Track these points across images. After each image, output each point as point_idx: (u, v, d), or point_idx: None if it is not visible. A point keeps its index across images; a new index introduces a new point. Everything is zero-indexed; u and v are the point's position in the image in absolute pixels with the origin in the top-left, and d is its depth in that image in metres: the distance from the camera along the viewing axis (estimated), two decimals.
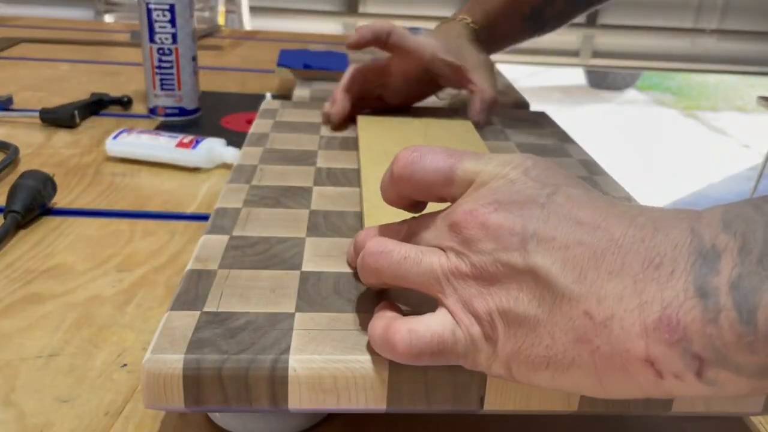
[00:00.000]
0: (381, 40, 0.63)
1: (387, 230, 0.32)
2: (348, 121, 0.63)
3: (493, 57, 0.79)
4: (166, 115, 0.81)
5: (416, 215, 0.32)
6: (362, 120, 0.61)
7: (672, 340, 0.22)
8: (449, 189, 0.29)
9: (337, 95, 0.63)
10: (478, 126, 0.63)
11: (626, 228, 0.24)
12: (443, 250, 0.28)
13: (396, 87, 0.67)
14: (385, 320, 0.28)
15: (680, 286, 0.22)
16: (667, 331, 0.22)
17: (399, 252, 0.28)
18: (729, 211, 0.23)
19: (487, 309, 0.26)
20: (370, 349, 0.29)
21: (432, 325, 0.27)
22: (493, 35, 0.71)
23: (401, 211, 0.33)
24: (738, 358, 0.21)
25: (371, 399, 0.28)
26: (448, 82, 0.67)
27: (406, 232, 0.31)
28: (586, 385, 0.24)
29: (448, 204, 0.30)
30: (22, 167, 0.62)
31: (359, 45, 0.63)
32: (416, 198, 0.31)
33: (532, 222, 0.25)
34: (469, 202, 0.27)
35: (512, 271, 0.25)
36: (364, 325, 0.30)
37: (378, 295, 0.33)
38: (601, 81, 5.34)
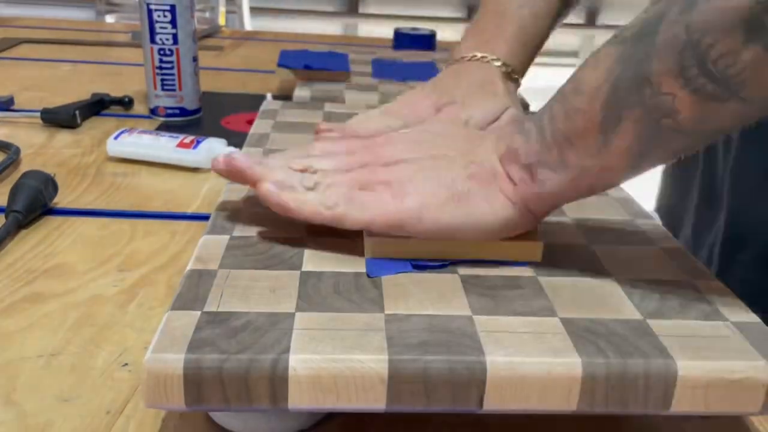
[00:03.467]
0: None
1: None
2: None
3: None
4: (167, 115, 0.81)
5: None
6: None
7: (512, 159, 0.36)
8: None
9: None
10: None
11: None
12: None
13: None
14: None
15: (513, 135, 0.37)
16: (509, 155, 0.37)
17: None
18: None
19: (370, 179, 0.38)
20: (370, 348, 0.29)
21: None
22: (532, 55, 0.59)
23: None
24: (547, 159, 0.35)
25: (371, 398, 0.28)
26: None
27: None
28: (481, 206, 0.36)
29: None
30: (24, 167, 0.62)
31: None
32: None
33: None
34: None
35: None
36: (364, 325, 0.30)
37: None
38: None
